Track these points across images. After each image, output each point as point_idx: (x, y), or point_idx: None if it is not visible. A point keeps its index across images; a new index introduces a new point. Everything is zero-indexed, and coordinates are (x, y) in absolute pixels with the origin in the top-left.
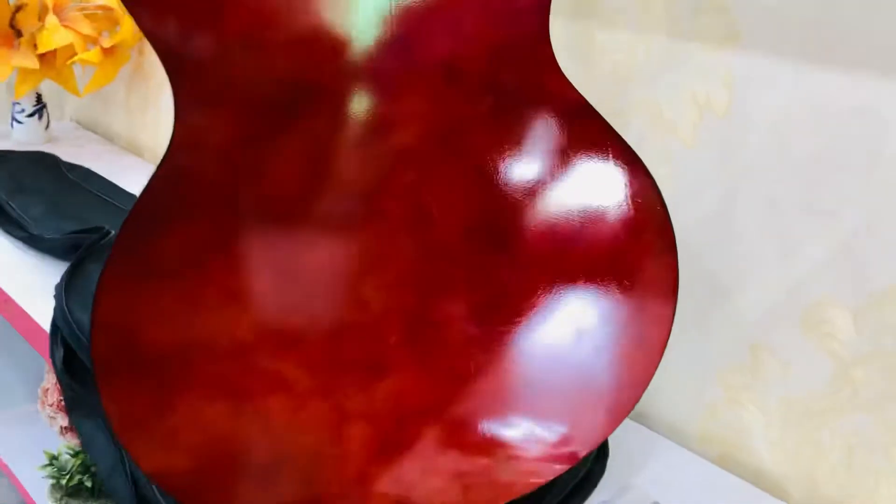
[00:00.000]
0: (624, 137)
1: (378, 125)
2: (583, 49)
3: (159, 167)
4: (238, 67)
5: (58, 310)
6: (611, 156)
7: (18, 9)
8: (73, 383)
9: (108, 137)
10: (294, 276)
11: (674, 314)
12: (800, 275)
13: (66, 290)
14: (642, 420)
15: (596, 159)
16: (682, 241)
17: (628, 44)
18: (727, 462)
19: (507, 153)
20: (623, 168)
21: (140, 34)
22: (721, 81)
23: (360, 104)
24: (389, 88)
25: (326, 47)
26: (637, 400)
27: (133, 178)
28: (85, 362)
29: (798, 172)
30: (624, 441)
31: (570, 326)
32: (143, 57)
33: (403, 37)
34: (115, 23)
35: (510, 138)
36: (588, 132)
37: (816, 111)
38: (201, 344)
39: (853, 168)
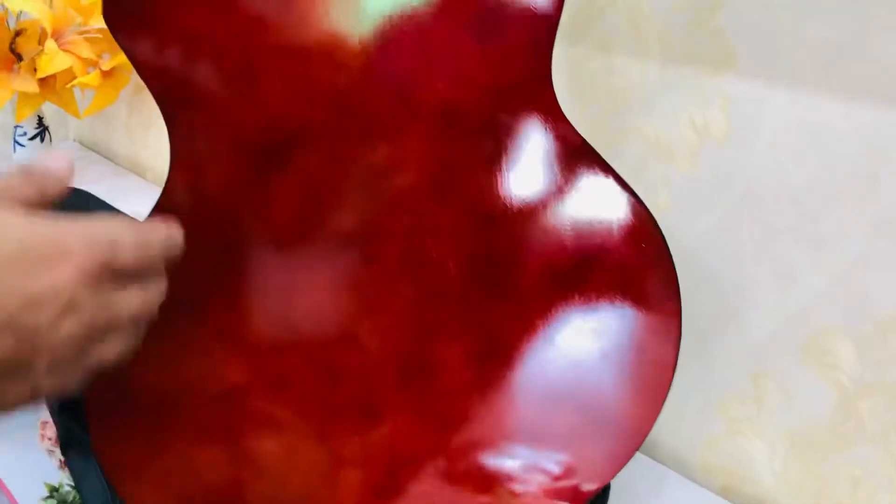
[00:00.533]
0: (620, 164)
1: (375, 167)
2: (575, 75)
3: (153, 211)
4: (233, 108)
5: None
6: (611, 197)
7: (18, 33)
8: (68, 421)
9: (111, 157)
10: (288, 318)
11: (678, 344)
12: (801, 304)
13: None
14: (642, 449)
15: (596, 202)
16: (680, 267)
17: (622, 69)
18: (730, 493)
19: (506, 196)
20: (623, 210)
21: None
22: (718, 106)
23: (356, 146)
24: (387, 130)
25: (322, 87)
26: (643, 436)
27: (135, 200)
28: (81, 402)
29: (798, 199)
30: (624, 471)
31: (569, 361)
32: None
33: (402, 78)
34: (114, 45)
35: (509, 181)
36: (587, 172)
37: (815, 136)
38: (194, 386)
39: (853, 194)
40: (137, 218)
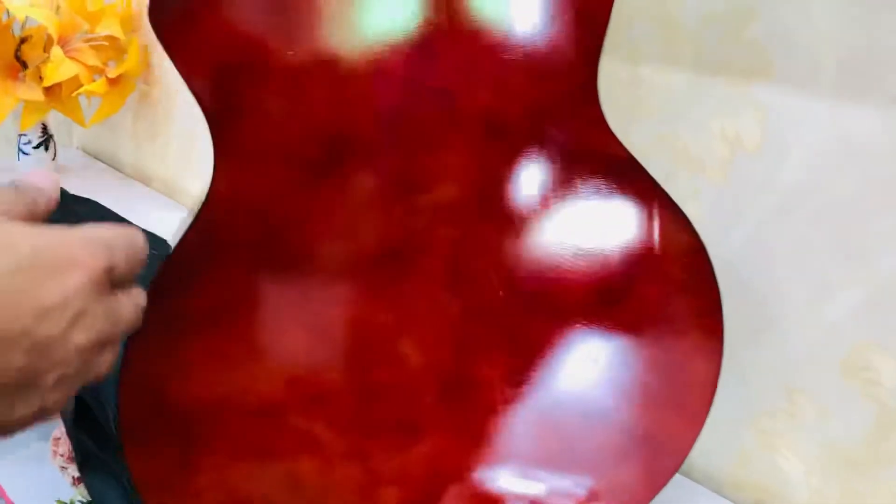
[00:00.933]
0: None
1: (416, 179)
2: (603, 84)
3: (194, 221)
4: (278, 121)
5: None
6: (657, 214)
7: (24, 40)
8: (85, 439)
9: (116, 166)
10: (326, 332)
11: (720, 362)
12: (838, 318)
13: None
14: None
15: (642, 218)
16: None
17: (651, 78)
18: None
19: (549, 206)
20: (668, 228)
21: (146, 63)
22: (752, 117)
23: (398, 157)
24: (430, 143)
25: (367, 99)
26: (683, 455)
27: (142, 209)
28: (99, 418)
29: (835, 213)
30: None
31: (610, 380)
32: (150, 85)
33: (446, 90)
34: (121, 52)
35: (553, 196)
36: (634, 190)
37: (853, 149)
38: (229, 402)
39: (893, 210)
40: (139, 228)
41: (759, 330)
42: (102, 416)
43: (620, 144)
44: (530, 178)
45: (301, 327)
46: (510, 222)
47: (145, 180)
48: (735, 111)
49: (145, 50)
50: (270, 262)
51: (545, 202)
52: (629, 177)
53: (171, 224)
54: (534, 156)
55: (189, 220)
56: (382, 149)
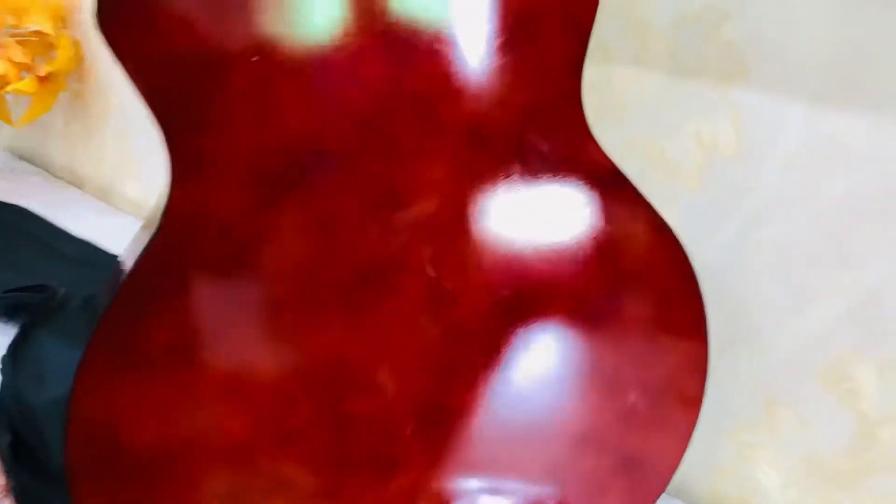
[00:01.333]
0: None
1: (394, 194)
2: None
3: (150, 242)
4: (244, 130)
5: (3, 388)
6: (641, 227)
7: None
8: (23, 473)
9: (47, 169)
10: (298, 363)
11: (705, 378)
12: (819, 327)
13: (12, 364)
14: None
15: (626, 232)
16: None
17: (623, 79)
18: None
19: (534, 223)
20: (654, 241)
21: (78, 60)
22: (728, 121)
23: (374, 170)
24: (409, 151)
25: (342, 105)
26: (671, 474)
27: (75, 214)
28: (37, 452)
29: (816, 219)
30: None
31: (596, 402)
32: (83, 84)
33: (427, 96)
34: (50, 48)
35: (536, 205)
36: (618, 200)
37: (835, 154)
38: (192, 445)
39: (876, 217)
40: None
41: (737, 340)
42: (43, 453)
43: (605, 154)
44: (513, 189)
45: (270, 357)
46: (492, 237)
47: (79, 184)
48: (711, 114)
49: (77, 46)
50: (236, 288)
51: (527, 214)
52: (614, 188)
53: (106, 230)
54: (517, 166)
55: (144, 240)
56: (357, 160)
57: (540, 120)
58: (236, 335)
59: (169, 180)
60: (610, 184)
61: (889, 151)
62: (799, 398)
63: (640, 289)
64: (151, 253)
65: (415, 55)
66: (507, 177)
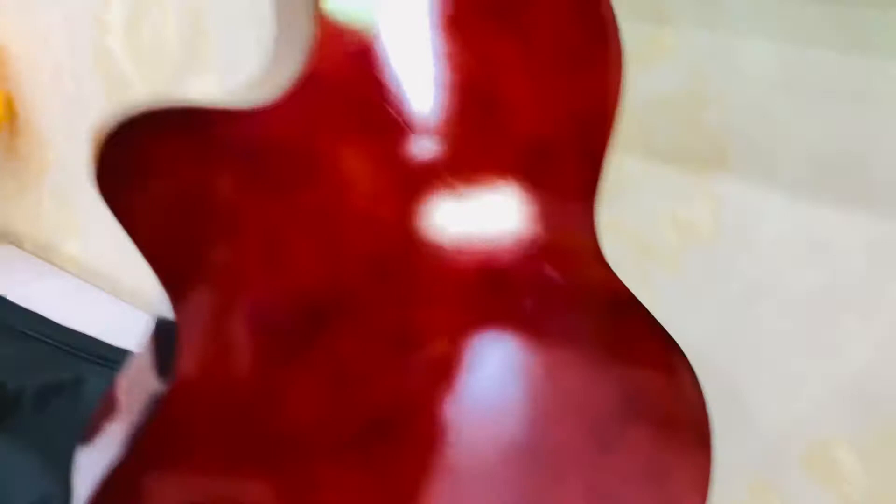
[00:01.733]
0: None
1: (406, 337)
2: None
3: (154, 415)
4: (252, 284)
5: None
6: (654, 353)
7: None
8: None
9: None
10: None
11: (707, 495)
12: (801, 412)
13: None
14: None
15: (639, 357)
16: None
17: None
18: None
19: (548, 353)
20: (666, 367)
21: (11, 113)
22: (707, 206)
23: (390, 316)
24: (424, 297)
25: (357, 254)
26: None
27: (12, 273)
28: None
29: (798, 308)
30: None
31: None
32: (17, 137)
33: (440, 238)
34: None
35: (550, 337)
36: (632, 327)
37: (815, 245)
38: None
39: (858, 307)
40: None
41: (720, 426)
42: None
43: (619, 280)
44: (527, 328)
45: None
46: (505, 378)
47: (16, 241)
48: (688, 199)
49: (10, 99)
50: (244, 449)
51: (543, 345)
52: (629, 317)
53: (45, 290)
54: (530, 300)
55: (146, 412)
56: (371, 307)
57: (554, 251)
58: (248, 494)
59: (179, 339)
60: (625, 313)
61: (864, 244)
62: (782, 483)
63: (652, 414)
64: (153, 428)
65: (428, 195)
66: (521, 311)
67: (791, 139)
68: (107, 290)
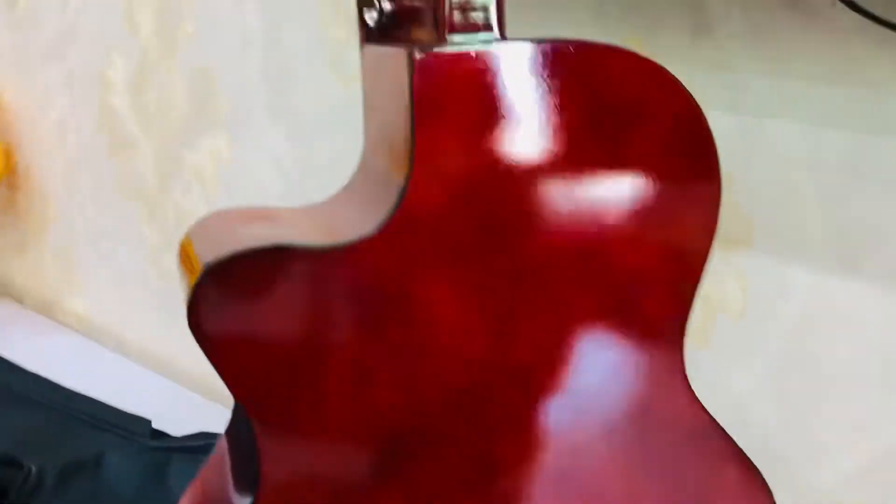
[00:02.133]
0: None
1: (489, 465)
2: None
3: None
4: (337, 423)
5: None
6: (733, 480)
7: None
8: None
9: None
10: None
11: None
12: (828, 485)
13: None
14: None
15: (721, 483)
16: None
17: None
18: None
19: (630, 481)
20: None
21: (9, 167)
22: (735, 283)
23: (471, 445)
24: (505, 425)
25: (442, 386)
26: None
27: (13, 330)
28: None
29: (828, 383)
30: None
31: None
32: (16, 191)
33: (525, 367)
34: None
35: (633, 462)
36: (714, 454)
37: (842, 321)
38: None
39: (886, 379)
40: None
41: None
42: None
43: (703, 408)
44: (611, 456)
45: None
46: (591, 500)
47: (17, 297)
48: (717, 276)
49: (9, 151)
50: None
51: (625, 473)
52: (711, 442)
53: (48, 347)
54: (616, 433)
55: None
56: (453, 437)
57: (640, 385)
58: None
59: (259, 482)
60: (707, 438)
61: (891, 320)
62: None
63: None
64: None
65: (516, 327)
66: (607, 444)
67: (818, 218)
68: (111, 348)
